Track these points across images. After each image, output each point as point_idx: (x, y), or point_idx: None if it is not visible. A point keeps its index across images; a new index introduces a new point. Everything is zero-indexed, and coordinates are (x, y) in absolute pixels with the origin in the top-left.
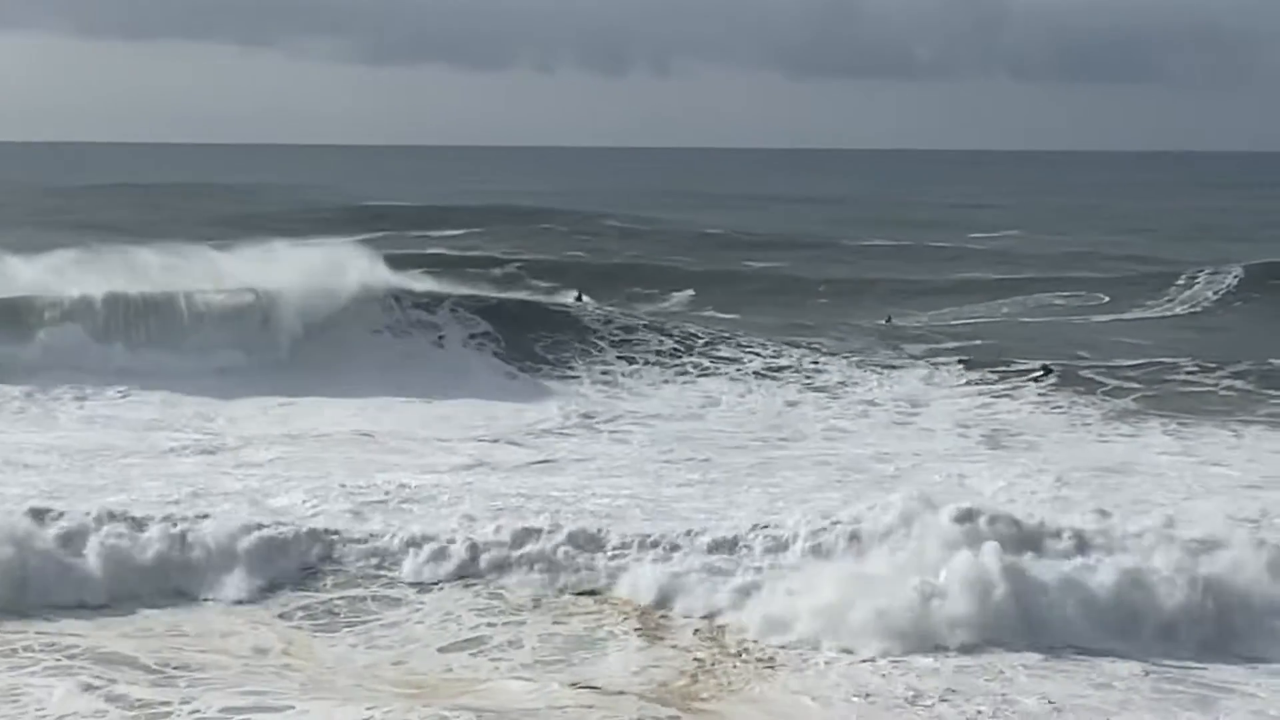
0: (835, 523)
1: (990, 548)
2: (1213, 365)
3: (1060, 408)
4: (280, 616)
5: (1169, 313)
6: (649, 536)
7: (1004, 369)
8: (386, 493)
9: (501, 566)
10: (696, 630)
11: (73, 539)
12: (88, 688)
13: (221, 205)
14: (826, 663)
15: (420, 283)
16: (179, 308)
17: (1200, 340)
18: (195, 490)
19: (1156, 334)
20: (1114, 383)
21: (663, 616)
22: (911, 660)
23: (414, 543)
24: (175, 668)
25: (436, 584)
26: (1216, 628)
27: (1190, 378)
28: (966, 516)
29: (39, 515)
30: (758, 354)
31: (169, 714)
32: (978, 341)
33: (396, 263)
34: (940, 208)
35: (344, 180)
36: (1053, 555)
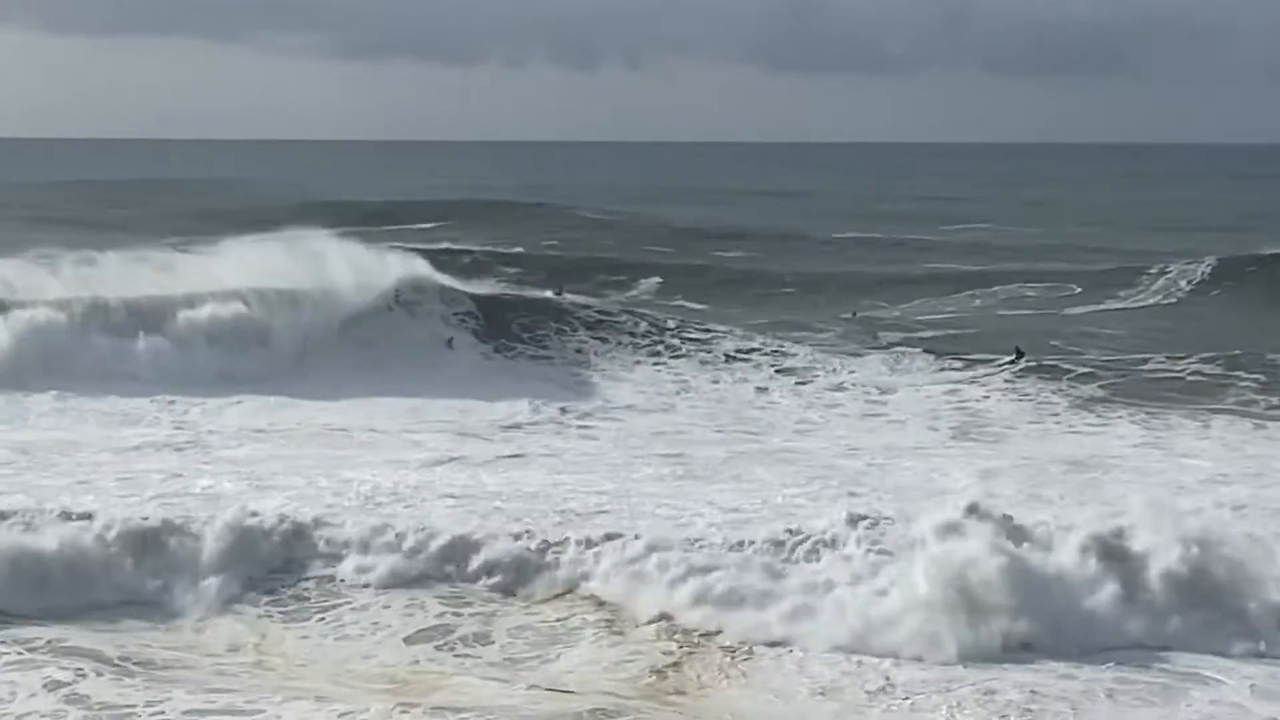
0: (796, 533)
1: (954, 545)
2: (1182, 355)
3: (1028, 395)
4: (246, 615)
5: (1141, 304)
6: (618, 534)
7: (973, 358)
8: (357, 490)
9: (469, 564)
10: (664, 628)
11: (37, 535)
12: (51, 686)
13: (189, 201)
14: (795, 661)
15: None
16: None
17: (1171, 331)
18: (162, 489)
19: (1128, 324)
20: (1083, 370)
21: (629, 614)
22: (878, 661)
23: (382, 541)
24: (137, 663)
25: (402, 584)
26: (1181, 620)
27: (1159, 367)
28: (947, 522)
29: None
30: (725, 340)
31: (131, 715)
32: (948, 332)
33: None
34: (911, 200)
35: (313, 175)
36: (1015, 552)
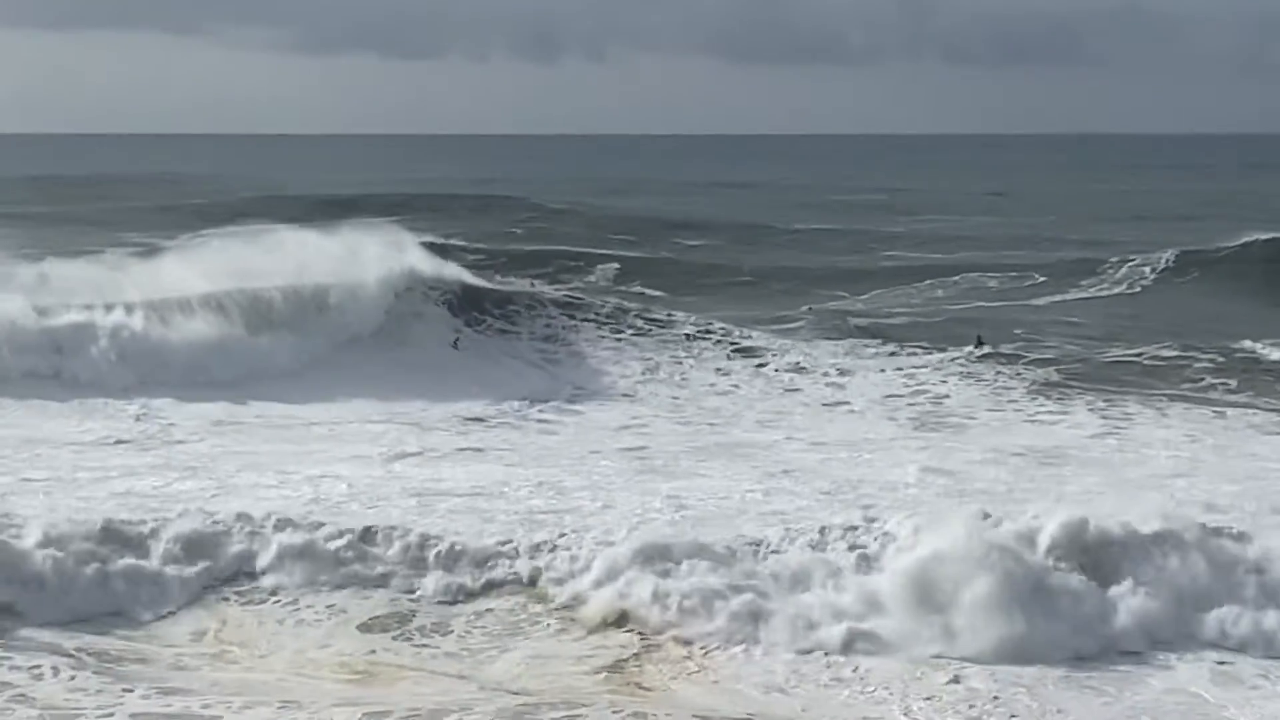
0: (754, 536)
1: (914, 541)
2: (1142, 344)
3: (988, 382)
4: (207, 603)
5: (1104, 294)
6: (575, 530)
7: (934, 347)
8: (318, 486)
9: (423, 561)
10: (623, 624)
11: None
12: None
13: (147, 196)
14: (752, 657)
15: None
16: None
17: (1134, 319)
18: (118, 487)
19: (1089, 314)
20: (1043, 358)
21: (588, 610)
22: (840, 658)
23: (343, 539)
24: (92, 654)
25: (359, 583)
26: (1140, 610)
27: (1119, 356)
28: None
29: None
30: (683, 330)
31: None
32: (909, 321)
33: None
34: (872, 191)
35: (273, 169)
36: (974, 549)
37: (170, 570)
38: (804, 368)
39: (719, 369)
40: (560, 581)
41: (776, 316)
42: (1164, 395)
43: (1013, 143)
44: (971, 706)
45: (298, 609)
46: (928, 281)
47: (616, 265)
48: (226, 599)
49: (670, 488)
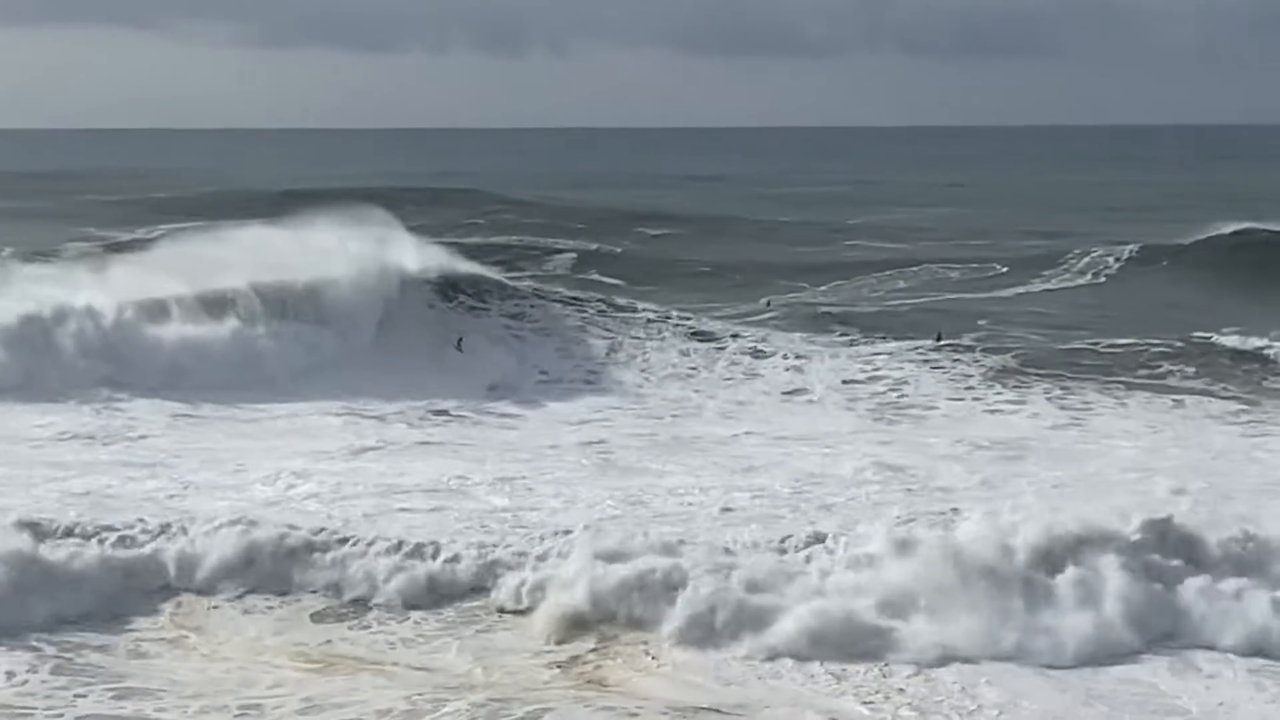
0: (714, 542)
1: (873, 544)
2: (1106, 334)
3: (943, 368)
4: (160, 617)
5: (1066, 285)
6: (539, 526)
7: (894, 339)
8: (274, 482)
9: (380, 556)
10: (581, 622)
11: None
12: None
13: (103, 191)
14: (711, 660)
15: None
16: None
17: (1093, 311)
18: (78, 486)
19: (1051, 304)
20: (1004, 349)
21: (548, 607)
22: (805, 664)
23: (308, 540)
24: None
25: (313, 580)
26: (1103, 604)
27: (1080, 345)
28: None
29: None
30: (643, 320)
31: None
32: (870, 311)
33: None
34: (832, 184)
35: (232, 164)
36: (930, 551)
37: (122, 567)
38: (764, 365)
39: (681, 350)
40: (518, 578)
41: (739, 312)
42: (1122, 383)
43: (974, 134)
44: (937, 697)
45: (252, 601)
46: (889, 273)
47: (574, 255)
48: (179, 594)
49: (632, 486)
